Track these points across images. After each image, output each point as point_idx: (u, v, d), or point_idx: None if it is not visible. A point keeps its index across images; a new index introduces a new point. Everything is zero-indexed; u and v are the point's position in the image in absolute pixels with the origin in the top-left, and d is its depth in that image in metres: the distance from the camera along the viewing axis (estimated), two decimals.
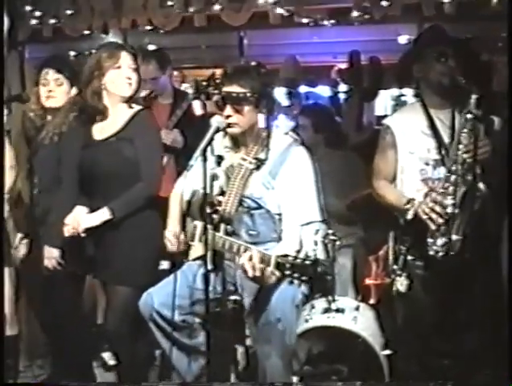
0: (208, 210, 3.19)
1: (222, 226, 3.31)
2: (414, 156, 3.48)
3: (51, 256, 3.73)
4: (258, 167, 3.34)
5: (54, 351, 4.12)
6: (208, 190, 3.12)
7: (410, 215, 3.35)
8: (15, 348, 4.02)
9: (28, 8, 6.50)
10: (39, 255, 3.78)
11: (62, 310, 3.85)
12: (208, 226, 3.15)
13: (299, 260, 2.89)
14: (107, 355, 4.25)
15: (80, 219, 3.60)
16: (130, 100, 3.67)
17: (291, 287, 3.14)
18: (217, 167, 3.35)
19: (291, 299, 3.33)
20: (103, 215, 3.55)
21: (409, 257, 3.47)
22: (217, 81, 3.41)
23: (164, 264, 3.58)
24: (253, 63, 3.57)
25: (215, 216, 3.27)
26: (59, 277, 3.76)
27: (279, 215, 3.33)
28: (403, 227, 3.49)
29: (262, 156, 3.35)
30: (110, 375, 4.08)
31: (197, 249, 3.39)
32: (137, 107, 3.69)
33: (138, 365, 3.76)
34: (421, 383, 3.38)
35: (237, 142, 3.42)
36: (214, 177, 3.31)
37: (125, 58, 3.63)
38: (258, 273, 3.04)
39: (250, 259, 3.06)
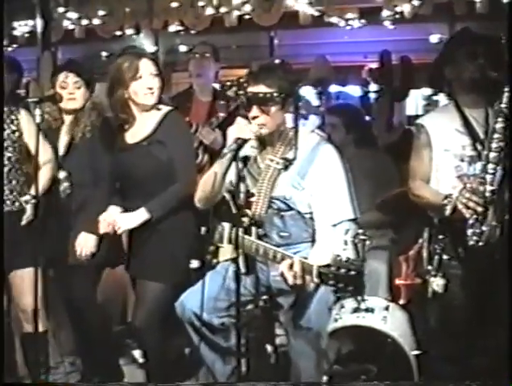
0: (236, 212, 3.19)
1: (253, 229, 3.24)
2: (449, 153, 3.46)
3: (86, 243, 3.80)
4: (286, 167, 3.27)
5: (83, 348, 4.17)
6: (236, 192, 3.13)
7: (448, 211, 3.32)
8: (45, 344, 4.05)
9: (61, 9, 6.59)
10: (65, 249, 3.86)
11: (88, 304, 3.94)
12: (238, 229, 3.13)
13: (342, 271, 2.76)
14: (137, 353, 4.28)
15: (118, 219, 3.66)
16: (157, 104, 3.71)
17: (327, 292, 3.15)
18: (244, 168, 3.28)
19: (326, 304, 3.34)
20: (141, 215, 3.61)
21: (444, 257, 3.45)
22: (242, 81, 3.35)
23: (194, 263, 3.59)
24: (277, 61, 3.50)
25: (244, 219, 3.23)
26: (83, 270, 3.84)
27: (310, 214, 3.27)
28: (438, 227, 3.47)
29: (289, 156, 3.27)
30: (140, 373, 4.10)
31: (227, 251, 3.35)
32: (165, 108, 3.73)
33: (167, 362, 3.79)
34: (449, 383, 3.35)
35: (263, 142, 3.36)
36: (241, 178, 3.25)
37: (146, 66, 3.67)
38: (299, 282, 2.98)
39: (291, 267, 2.99)
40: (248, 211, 3.28)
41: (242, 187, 3.24)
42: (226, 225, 3.33)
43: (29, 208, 3.84)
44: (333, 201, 3.21)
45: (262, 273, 3.34)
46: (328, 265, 2.81)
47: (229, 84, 4.44)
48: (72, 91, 3.96)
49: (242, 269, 3.18)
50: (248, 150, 3.32)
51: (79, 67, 4.10)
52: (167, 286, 3.62)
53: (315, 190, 3.23)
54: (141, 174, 3.65)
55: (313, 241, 3.27)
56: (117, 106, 3.70)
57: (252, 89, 3.23)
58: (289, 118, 3.27)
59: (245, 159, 3.15)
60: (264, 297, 3.39)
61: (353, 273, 2.76)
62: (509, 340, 3.16)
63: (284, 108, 3.24)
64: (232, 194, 3.27)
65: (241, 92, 3.27)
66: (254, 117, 3.22)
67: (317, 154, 3.26)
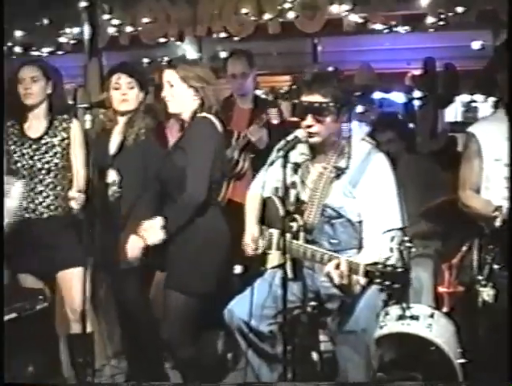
0: (285, 216, 3.20)
1: (301, 234, 3.27)
2: (500, 163, 3.44)
3: (136, 246, 3.73)
4: (338, 176, 3.29)
5: (131, 350, 4.22)
6: (285, 198, 3.15)
7: (499, 222, 3.30)
8: (91, 346, 4.08)
9: (106, 17, 6.68)
10: (116, 252, 3.85)
11: (135, 308, 3.97)
12: (286, 234, 3.13)
13: (389, 268, 2.83)
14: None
15: (145, 233, 3.61)
16: (197, 111, 3.68)
17: (374, 296, 3.17)
18: (294, 175, 3.35)
19: (374, 308, 3.35)
20: (159, 235, 3.56)
21: (495, 266, 3.42)
22: (294, 88, 3.37)
23: (237, 269, 3.61)
24: (329, 69, 3.50)
25: (293, 224, 3.26)
26: (133, 272, 3.86)
27: (359, 222, 3.29)
28: (489, 236, 3.44)
29: (342, 164, 3.29)
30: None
31: (275, 257, 3.40)
32: (199, 116, 3.68)
33: (209, 368, 3.82)
34: None
35: (314, 150, 3.38)
36: (291, 185, 3.30)
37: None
38: (345, 281, 3.01)
39: (337, 267, 3.02)
40: (298, 216, 3.30)
41: (292, 193, 3.25)
42: (275, 232, 3.37)
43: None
44: (383, 210, 3.22)
45: (309, 278, 3.36)
46: (374, 263, 2.86)
47: (282, 91, 4.45)
48: (125, 91, 3.98)
49: (290, 275, 3.21)
50: (298, 157, 3.37)
51: (131, 68, 4.12)
52: (195, 297, 3.61)
53: (366, 198, 3.25)
54: (166, 179, 3.68)
55: (361, 248, 3.28)
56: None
57: (307, 98, 3.24)
58: (343, 127, 3.28)
59: (296, 166, 3.16)
60: (312, 303, 3.40)
61: (399, 269, 2.81)
62: (508, 340, 3.15)
63: (339, 118, 3.26)
64: (281, 199, 3.29)
65: (295, 100, 3.28)
66: (309, 126, 3.23)
67: (369, 163, 3.28)
